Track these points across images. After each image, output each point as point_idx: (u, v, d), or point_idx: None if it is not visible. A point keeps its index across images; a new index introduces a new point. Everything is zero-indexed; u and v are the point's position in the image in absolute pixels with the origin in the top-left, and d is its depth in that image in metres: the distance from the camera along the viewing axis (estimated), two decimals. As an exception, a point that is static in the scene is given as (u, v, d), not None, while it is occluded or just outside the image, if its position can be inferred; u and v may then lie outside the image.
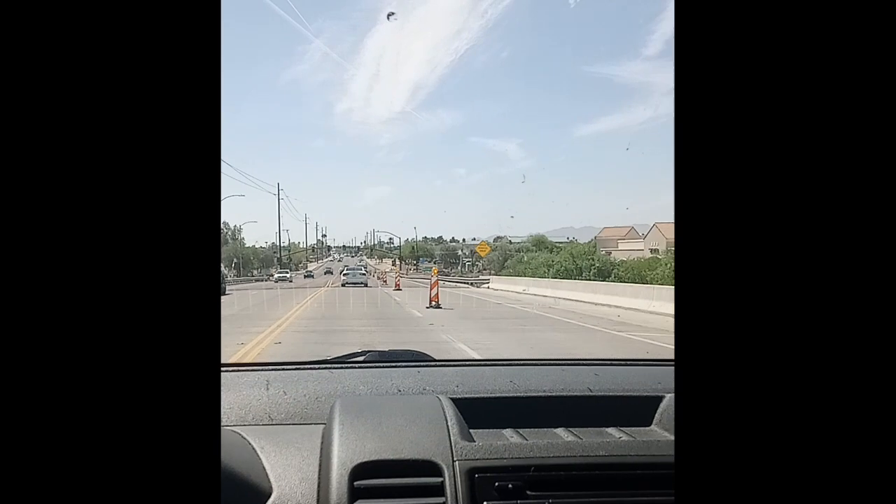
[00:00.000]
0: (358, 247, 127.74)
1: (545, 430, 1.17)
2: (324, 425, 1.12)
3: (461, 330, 11.32)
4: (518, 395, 1.31)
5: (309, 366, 1.54)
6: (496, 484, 0.93)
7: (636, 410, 1.25)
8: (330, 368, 1.52)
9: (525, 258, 48.81)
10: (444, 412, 1.10)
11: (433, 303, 16.87)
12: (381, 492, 0.94)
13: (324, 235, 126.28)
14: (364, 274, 40.38)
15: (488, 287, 34.27)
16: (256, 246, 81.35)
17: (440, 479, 0.95)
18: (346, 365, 1.58)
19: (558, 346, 9.68)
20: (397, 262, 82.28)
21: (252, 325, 11.59)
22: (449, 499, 0.92)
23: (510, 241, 67.08)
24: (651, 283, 23.18)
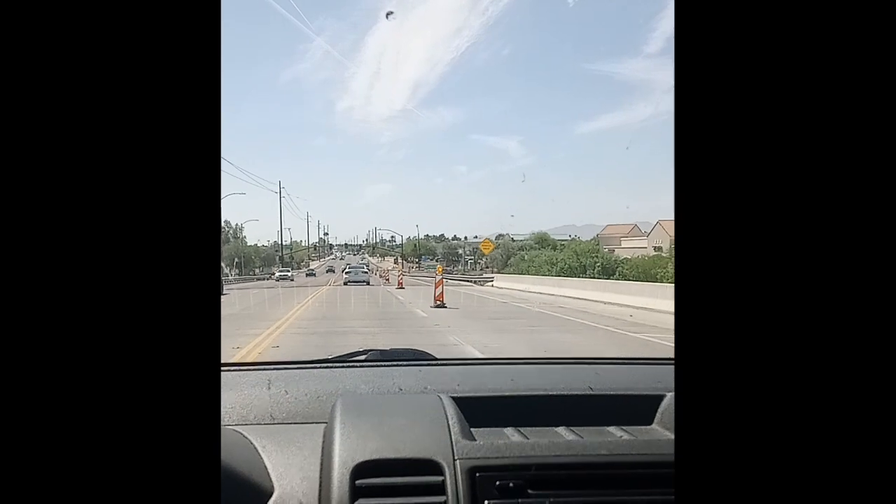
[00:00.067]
0: (360, 245, 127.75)
1: (546, 428, 1.15)
2: (325, 424, 1.11)
3: (468, 331, 10.90)
4: (519, 393, 1.30)
5: (310, 365, 1.55)
6: (497, 483, 0.93)
7: (637, 409, 1.23)
8: (331, 367, 1.53)
9: (527, 256, 48.41)
10: (445, 411, 1.09)
11: (438, 302, 16.42)
12: (382, 490, 0.94)
13: (326, 234, 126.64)
14: (366, 272, 40.50)
15: (492, 285, 33.87)
16: (258, 245, 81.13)
17: (441, 478, 0.94)
18: (347, 364, 1.58)
19: (574, 348, 9.18)
20: (399, 261, 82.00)
21: (250, 326, 11.14)
22: (450, 497, 0.92)
23: (512, 239, 66.71)
24: (661, 282, 22.70)
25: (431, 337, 9.94)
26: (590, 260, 36.89)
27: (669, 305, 15.01)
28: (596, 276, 32.46)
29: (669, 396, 1.24)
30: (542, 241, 57.84)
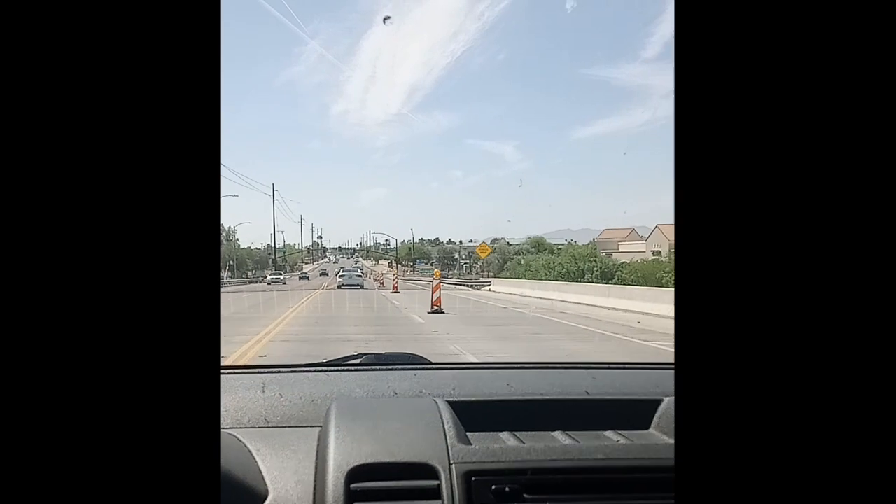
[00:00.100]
0: (354, 248, 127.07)
1: (542, 433, 1.14)
2: (320, 428, 1.11)
3: (469, 338, 10.25)
4: (515, 398, 1.29)
5: (305, 368, 1.54)
6: (493, 487, 0.92)
7: (634, 414, 1.22)
8: (326, 371, 1.52)
9: (523, 260, 47.86)
10: (440, 415, 1.09)
11: (435, 307, 15.73)
12: (377, 495, 0.93)
13: (319, 237, 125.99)
14: (360, 276, 40.42)
15: (489, 289, 33.26)
16: (252, 247, 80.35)
17: (437, 482, 0.94)
18: (342, 367, 1.57)
19: (585, 359, 8.48)
20: (394, 264, 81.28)
21: (238, 332, 10.40)
22: (445, 502, 0.91)
23: (508, 243, 66.21)
24: (666, 287, 22.09)
25: (430, 345, 9.26)
26: (588, 264, 36.53)
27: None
28: (594, 280, 32.07)
29: (666, 401, 1.21)
30: (539, 245, 57.38)
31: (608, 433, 1.15)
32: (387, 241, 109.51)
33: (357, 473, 0.94)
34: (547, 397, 1.28)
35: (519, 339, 10.95)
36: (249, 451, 1.05)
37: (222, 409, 1.19)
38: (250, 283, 49.50)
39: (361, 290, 31.89)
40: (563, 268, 36.74)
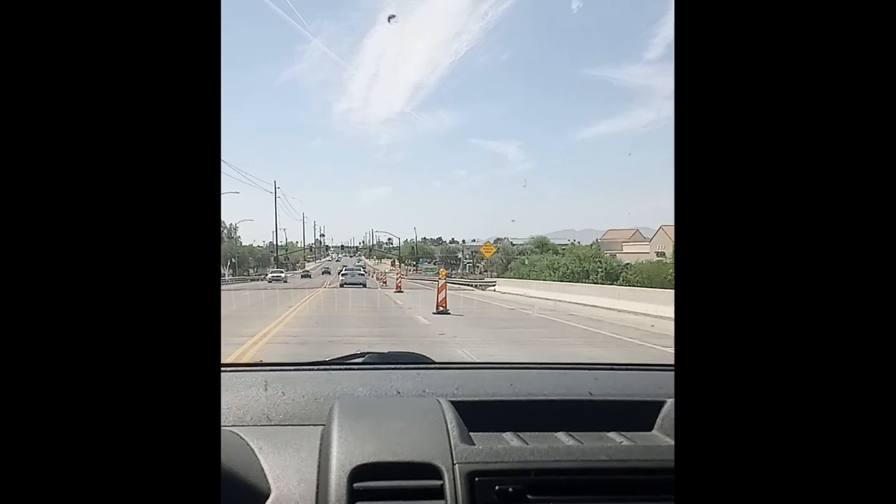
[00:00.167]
0: (356, 247, 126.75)
1: (546, 433, 1.13)
2: (322, 426, 1.10)
3: (477, 342, 9.76)
4: (518, 398, 1.28)
5: (308, 367, 1.52)
6: (496, 487, 0.92)
7: (637, 415, 1.21)
8: (329, 369, 1.50)
9: (527, 261, 47.32)
10: (443, 415, 1.08)
11: (441, 308, 15.21)
12: (380, 494, 0.92)
13: (322, 235, 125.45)
14: (363, 274, 40.22)
15: (494, 290, 32.73)
16: (253, 245, 79.81)
17: (440, 482, 0.93)
18: (345, 366, 1.55)
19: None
20: (397, 263, 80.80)
21: (234, 333, 9.88)
22: (449, 502, 0.91)
23: (512, 243, 65.66)
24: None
25: (438, 349, 8.73)
26: (592, 265, 35.96)
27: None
28: (599, 281, 31.54)
29: (670, 402, 1.20)
30: (542, 245, 56.87)
31: (611, 434, 1.14)
32: (389, 239, 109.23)
33: (360, 472, 0.93)
34: (550, 398, 1.26)
35: (531, 342, 10.43)
36: (252, 449, 1.04)
37: (225, 406, 1.18)
38: (251, 280, 49.19)
39: (364, 288, 31.50)
40: (567, 268, 36.21)
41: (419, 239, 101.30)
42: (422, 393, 1.31)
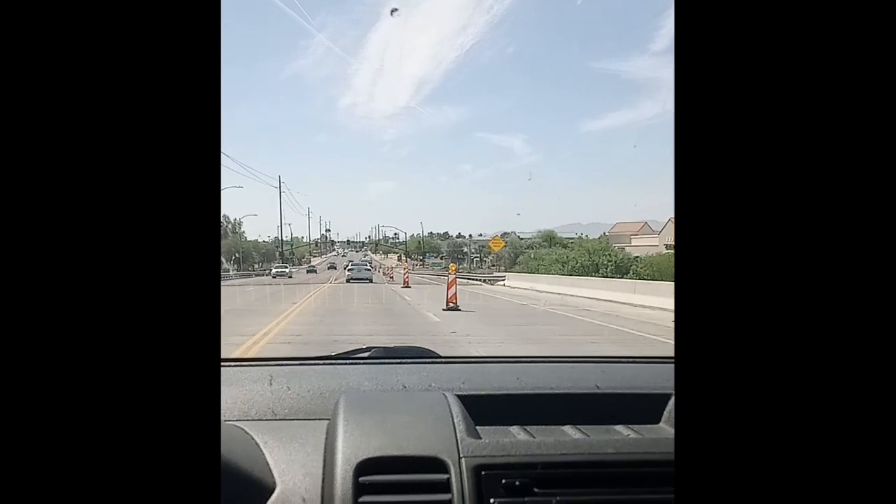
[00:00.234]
0: (362, 242, 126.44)
1: (552, 427, 1.14)
2: (328, 421, 1.10)
3: (492, 340, 9.18)
4: (525, 392, 1.28)
5: (313, 361, 1.51)
6: (503, 481, 0.92)
7: (644, 408, 1.21)
8: (334, 364, 1.49)
9: (534, 255, 46.65)
10: (450, 409, 1.08)
11: (451, 304, 14.63)
12: (386, 488, 0.92)
13: (327, 230, 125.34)
14: (369, 269, 39.86)
15: (503, 284, 32.12)
16: (258, 240, 79.35)
17: (446, 476, 0.93)
18: (350, 360, 1.54)
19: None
20: (403, 258, 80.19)
21: (235, 331, 9.32)
22: (455, 495, 0.91)
23: (519, 237, 64.99)
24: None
25: (450, 349, 8.11)
26: (602, 258, 35.22)
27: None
28: (609, 275, 30.85)
29: None
30: (550, 239, 56.21)
31: (618, 427, 1.15)
32: (395, 234, 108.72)
33: (366, 466, 0.93)
34: (557, 391, 1.27)
35: (549, 341, 9.80)
36: (257, 444, 1.04)
37: (230, 401, 1.19)
38: (256, 276, 48.70)
39: (370, 284, 31.05)
40: (577, 262, 35.52)
41: (426, 233, 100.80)
42: (428, 387, 1.29)
